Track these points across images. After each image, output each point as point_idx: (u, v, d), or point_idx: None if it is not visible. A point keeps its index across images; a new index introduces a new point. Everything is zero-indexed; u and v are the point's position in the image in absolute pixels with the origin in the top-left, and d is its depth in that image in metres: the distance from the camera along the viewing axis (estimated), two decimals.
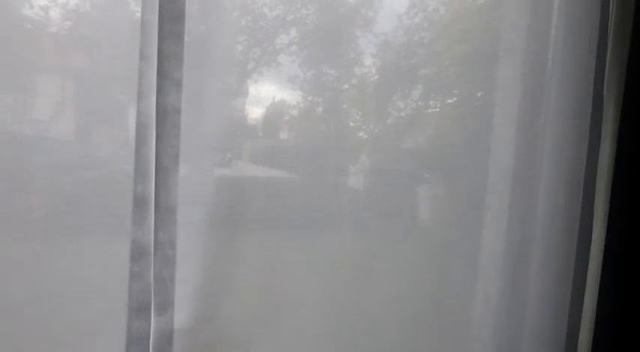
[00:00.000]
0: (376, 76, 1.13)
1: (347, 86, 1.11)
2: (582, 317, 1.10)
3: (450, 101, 1.19)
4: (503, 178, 1.16)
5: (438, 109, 1.18)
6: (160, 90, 0.89)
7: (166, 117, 0.90)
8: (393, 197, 1.14)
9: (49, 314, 0.91)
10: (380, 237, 1.15)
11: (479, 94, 1.21)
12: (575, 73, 1.11)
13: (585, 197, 1.12)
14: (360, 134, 1.16)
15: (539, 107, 1.15)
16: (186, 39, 0.91)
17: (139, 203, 0.90)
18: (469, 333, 1.21)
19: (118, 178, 0.91)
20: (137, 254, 0.91)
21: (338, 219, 1.11)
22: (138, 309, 0.92)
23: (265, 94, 1.05)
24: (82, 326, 0.92)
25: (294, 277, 1.07)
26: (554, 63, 1.13)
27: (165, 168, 0.90)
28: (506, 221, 1.16)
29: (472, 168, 1.19)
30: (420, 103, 1.17)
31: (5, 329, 0.88)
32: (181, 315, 0.95)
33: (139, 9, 0.92)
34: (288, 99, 1.06)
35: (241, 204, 1.00)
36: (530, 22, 1.15)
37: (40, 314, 0.90)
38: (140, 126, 0.89)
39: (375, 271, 1.13)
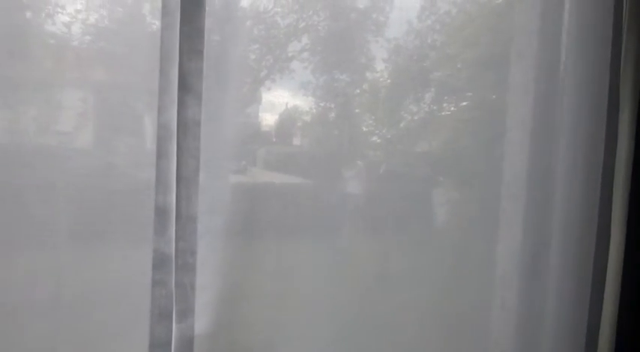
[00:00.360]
0: (388, 80, 1.13)
1: (359, 91, 1.12)
2: (602, 322, 1.09)
3: (463, 104, 1.19)
4: (518, 181, 1.15)
5: (450, 112, 1.18)
6: (181, 104, 0.91)
7: (187, 129, 0.92)
8: (408, 201, 1.14)
9: (74, 319, 0.93)
10: (395, 242, 1.15)
11: (492, 97, 1.21)
12: (589, 75, 1.10)
13: (603, 198, 1.10)
14: (374, 138, 1.17)
15: (552, 109, 1.14)
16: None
17: (161, 213, 0.92)
18: (486, 339, 1.20)
19: (139, 189, 0.94)
20: (159, 262, 0.93)
21: (352, 224, 1.11)
22: (160, 315, 0.94)
23: (278, 101, 1.07)
24: (107, 331, 0.95)
25: (310, 283, 1.08)
26: (567, 65, 1.13)
27: (185, 179, 0.92)
28: (522, 224, 1.15)
29: (486, 171, 1.19)
30: (432, 107, 1.17)
31: (32, 333, 0.91)
32: (202, 321, 0.97)
33: (157, 23, 0.95)
34: (301, 105, 1.08)
35: (258, 211, 1.01)
36: (542, 25, 1.14)
37: (65, 319, 0.93)
38: (161, 139, 0.91)
39: (390, 277, 1.13)
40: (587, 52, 1.10)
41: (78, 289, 0.93)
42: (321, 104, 1.09)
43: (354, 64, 1.11)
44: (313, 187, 1.09)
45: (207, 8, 0.93)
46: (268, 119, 1.07)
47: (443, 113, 1.18)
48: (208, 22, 0.94)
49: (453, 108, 1.19)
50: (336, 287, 1.08)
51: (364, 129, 1.15)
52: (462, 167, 1.18)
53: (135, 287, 0.94)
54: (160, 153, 0.91)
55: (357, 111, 1.13)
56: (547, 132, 1.14)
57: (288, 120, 1.09)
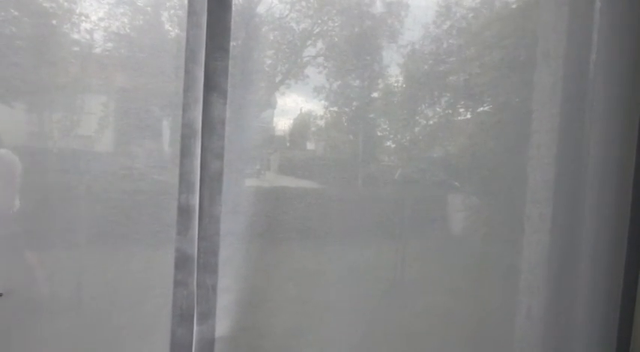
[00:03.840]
0: (403, 85, 1.13)
1: (374, 96, 1.12)
2: (633, 333, 1.04)
3: (481, 109, 1.17)
4: (544, 187, 1.11)
5: (469, 117, 1.16)
6: (207, 103, 0.91)
7: (213, 128, 0.92)
8: (425, 207, 1.13)
9: (96, 318, 0.96)
10: (412, 247, 1.14)
11: (515, 101, 1.18)
12: (620, 74, 1.06)
13: (635, 203, 1.05)
14: (388, 143, 1.16)
15: (582, 112, 1.09)
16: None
17: (183, 213, 0.92)
18: (510, 349, 1.16)
19: (163, 189, 0.95)
20: (181, 262, 0.93)
21: (367, 229, 1.11)
22: (181, 316, 0.94)
23: (292, 106, 1.07)
24: (129, 331, 0.97)
25: (330, 287, 1.07)
26: (596, 65, 1.08)
27: (209, 179, 0.92)
28: (549, 231, 1.11)
29: (509, 176, 1.15)
30: (449, 111, 1.16)
31: (55, 331, 0.94)
32: (223, 324, 0.97)
33: (175, 29, 0.97)
34: (315, 109, 1.08)
35: (279, 213, 1.02)
36: (570, 24, 1.10)
37: (90, 317, 0.96)
38: (185, 138, 0.92)
39: (410, 283, 1.11)
40: (619, 51, 1.06)
41: (101, 289, 0.95)
42: (335, 109, 1.10)
43: (368, 68, 1.11)
44: (326, 192, 1.09)
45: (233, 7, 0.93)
46: (285, 123, 1.08)
47: (460, 117, 1.17)
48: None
49: (471, 113, 1.17)
50: (355, 292, 1.07)
51: (379, 133, 1.14)
52: (484, 172, 1.15)
53: (157, 287, 0.94)
54: (184, 153, 0.91)
55: (371, 116, 1.13)
56: (576, 134, 1.10)
57: (302, 125, 1.10)
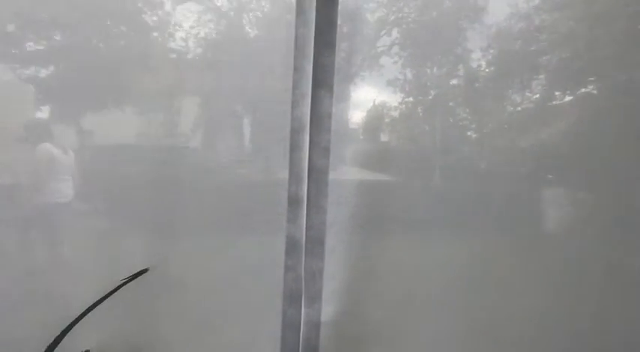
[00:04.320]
0: (487, 70, 1.04)
1: (454, 82, 1.06)
2: None
3: (583, 90, 1.03)
4: None
5: (568, 100, 1.03)
6: (315, 98, 0.95)
7: (321, 123, 0.96)
8: (514, 202, 1.04)
9: (218, 295, 1.08)
10: (502, 244, 1.06)
11: (629, 80, 1.01)
12: None
13: None
14: (469, 133, 1.09)
15: None
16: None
17: (293, 202, 0.99)
18: None
19: (275, 180, 1.03)
20: (291, 248, 1.00)
21: (449, 223, 1.06)
22: (291, 298, 1.02)
23: (366, 97, 1.07)
24: (244, 308, 1.07)
25: (420, 280, 1.08)
26: None
27: (317, 171, 0.96)
28: None
29: (619, 168, 1.00)
30: (540, 95, 1.04)
31: (189, 304, 1.07)
32: (329, 309, 1.03)
33: (254, 30, 1.03)
34: (390, 100, 1.06)
35: (381, 205, 1.04)
36: None
37: (211, 297, 1.08)
38: (294, 132, 0.97)
39: (503, 281, 1.05)
40: None
41: (220, 271, 1.08)
42: (410, 99, 1.06)
43: (448, 54, 1.04)
44: (403, 184, 1.07)
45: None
46: (357, 116, 1.08)
47: (555, 102, 1.04)
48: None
49: (569, 96, 1.03)
50: (453, 287, 1.05)
51: (459, 123, 1.08)
52: (591, 163, 1.02)
53: (269, 270, 1.02)
54: (293, 146, 0.97)
55: (450, 104, 1.07)
56: None
57: (376, 117, 1.09)
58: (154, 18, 1.05)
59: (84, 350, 0.97)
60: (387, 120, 1.10)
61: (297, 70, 0.96)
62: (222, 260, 1.08)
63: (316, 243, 0.98)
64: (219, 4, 1.07)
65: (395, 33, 1.06)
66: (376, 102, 1.07)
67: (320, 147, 0.95)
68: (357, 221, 1.03)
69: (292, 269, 1.00)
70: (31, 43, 1.04)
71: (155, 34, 1.06)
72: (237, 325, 1.08)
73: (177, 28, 1.05)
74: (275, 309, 1.02)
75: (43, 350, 0.81)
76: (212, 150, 1.10)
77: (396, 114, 1.08)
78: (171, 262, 1.06)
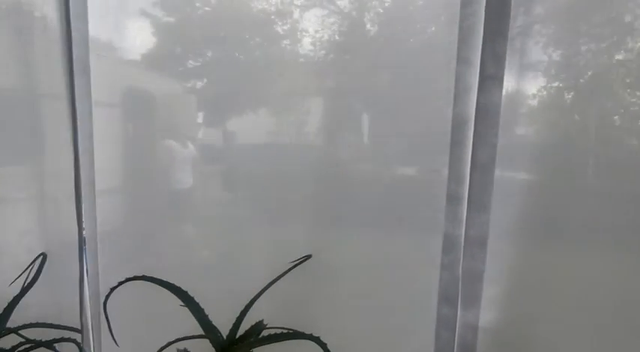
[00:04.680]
0: None
1: (619, 58, 0.86)
2: None
3: None
4: None
5: None
6: (482, 90, 0.89)
7: (487, 116, 0.89)
8: None
9: (371, 289, 1.10)
10: None
11: None
12: None
13: None
14: None
15: None
16: None
17: (452, 199, 0.95)
18: None
19: (433, 176, 1.00)
20: (448, 247, 0.97)
21: (611, 230, 0.87)
22: (446, 299, 0.98)
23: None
24: (400, 305, 1.07)
25: (605, 293, 0.90)
26: None
27: (481, 167, 0.90)
28: None
29: None
30: None
31: (352, 290, 1.11)
32: (488, 314, 0.95)
33: (374, 26, 1.01)
34: (527, 87, 0.93)
35: (555, 208, 0.91)
36: None
37: (365, 287, 1.11)
38: (455, 127, 0.93)
39: None
40: None
41: (371, 261, 1.09)
42: (556, 84, 0.91)
43: (609, 26, 0.86)
44: (551, 184, 0.92)
45: None
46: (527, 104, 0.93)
47: None
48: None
49: None
50: (631, 302, 0.88)
51: (622, 110, 0.88)
52: None
53: (425, 268, 1.00)
54: (454, 141, 0.93)
55: (611, 87, 0.88)
56: None
57: (509, 107, 0.96)
58: (285, 27, 1.14)
59: (260, 319, 1.12)
60: (523, 110, 0.96)
61: (461, 61, 0.91)
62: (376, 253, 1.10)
63: (477, 243, 0.92)
64: (341, 6, 1.10)
65: (538, 8, 0.92)
66: (509, 90, 0.94)
67: (485, 141, 0.89)
68: (523, 224, 0.92)
69: (448, 268, 0.97)
70: (191, 61, 1.25)
71: (286, 41, 1.15)
72: (391, 317, 1.09)
73: (304, 33, 1.12)
74: (430, 307, 1.00)
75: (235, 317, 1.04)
76: (404, 145, 1.09)
77: (534, 102, 0.94)
78: (329, 252, 1.12)
